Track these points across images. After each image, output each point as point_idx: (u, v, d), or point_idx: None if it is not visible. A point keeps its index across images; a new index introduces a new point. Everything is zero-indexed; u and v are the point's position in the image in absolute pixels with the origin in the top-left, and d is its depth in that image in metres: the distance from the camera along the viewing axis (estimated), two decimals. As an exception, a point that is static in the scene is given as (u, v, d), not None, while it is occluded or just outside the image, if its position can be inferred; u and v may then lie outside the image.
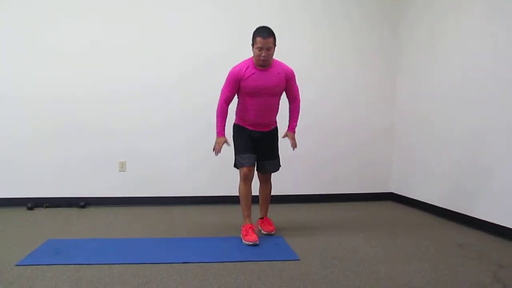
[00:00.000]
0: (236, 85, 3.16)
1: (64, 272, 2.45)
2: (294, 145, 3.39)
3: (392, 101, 4.92)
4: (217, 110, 3.20)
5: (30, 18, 4.15)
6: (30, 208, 4.06)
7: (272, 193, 3.50)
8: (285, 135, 3.39)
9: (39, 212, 3.99)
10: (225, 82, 3.19)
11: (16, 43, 4.14)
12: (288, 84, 3.26)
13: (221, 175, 4.33)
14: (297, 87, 3.36)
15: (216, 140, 3.17)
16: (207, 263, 2.63)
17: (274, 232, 3.42)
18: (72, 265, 2.56)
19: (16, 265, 2.55)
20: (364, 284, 2.36)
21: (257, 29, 3.10)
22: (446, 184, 4.05)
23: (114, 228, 3.49)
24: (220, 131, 3.18)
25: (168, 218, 3.86)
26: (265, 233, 3.43)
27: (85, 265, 2.57)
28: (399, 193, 4.84)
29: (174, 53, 4.44)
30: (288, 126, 3.41)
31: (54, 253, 2.78)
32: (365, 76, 4.84)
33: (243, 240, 3.09)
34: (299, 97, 3.38)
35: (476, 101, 3.68)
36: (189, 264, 2.63)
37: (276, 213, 3.93)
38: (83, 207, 4.20)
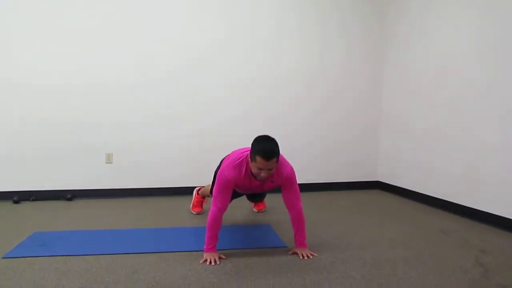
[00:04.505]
0: (231, 191, 2.63)
1: (51, 264, 2.44)
2: (309, 256, 2.63)
3: (379, 91, 4.97)
4: (209, 220, 2.55)
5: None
6: (16, 202, 4.01)
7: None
8: (294, 252, 2.67)
9: (26, 205, 3.95)
10: (217, 188, 2.61)
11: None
12: (284, 191, 2.69)
13: (209, 165, 4.32)
14: (296, 192, 2.69)
15: (205, 255, 2.54)
16: (194, 252, 2.64)
17: (264, 210, 3.74)
18: (59, 257, 2.56)
19: (2, 257, 2.53)
20: (350, 271, 2.40)
21: (259, 143, 2.49)
22: (431, 172, 4.11)
23: (101, 219, 3.47)
24: (210, 243, 2.57)
25: (155, 209, 3.85)
26: (256, 211, 3.73)
27: (72, 256, 2.56)
28: (385, 182, 4.90)
29: (164, 47, 4.39)
30: (295, 242, 2.71)
31: (40, 245, 2.76)
32: (353, 67, 4.87)
33: None
34: (299, 203, 2.69)
35: (461, 92, 3.74)
36: (177, 253, 2.65)
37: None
38: (70, 199, 4.18)
